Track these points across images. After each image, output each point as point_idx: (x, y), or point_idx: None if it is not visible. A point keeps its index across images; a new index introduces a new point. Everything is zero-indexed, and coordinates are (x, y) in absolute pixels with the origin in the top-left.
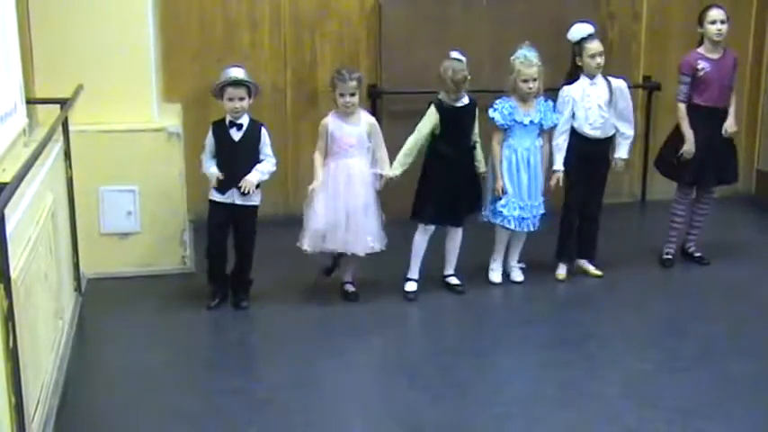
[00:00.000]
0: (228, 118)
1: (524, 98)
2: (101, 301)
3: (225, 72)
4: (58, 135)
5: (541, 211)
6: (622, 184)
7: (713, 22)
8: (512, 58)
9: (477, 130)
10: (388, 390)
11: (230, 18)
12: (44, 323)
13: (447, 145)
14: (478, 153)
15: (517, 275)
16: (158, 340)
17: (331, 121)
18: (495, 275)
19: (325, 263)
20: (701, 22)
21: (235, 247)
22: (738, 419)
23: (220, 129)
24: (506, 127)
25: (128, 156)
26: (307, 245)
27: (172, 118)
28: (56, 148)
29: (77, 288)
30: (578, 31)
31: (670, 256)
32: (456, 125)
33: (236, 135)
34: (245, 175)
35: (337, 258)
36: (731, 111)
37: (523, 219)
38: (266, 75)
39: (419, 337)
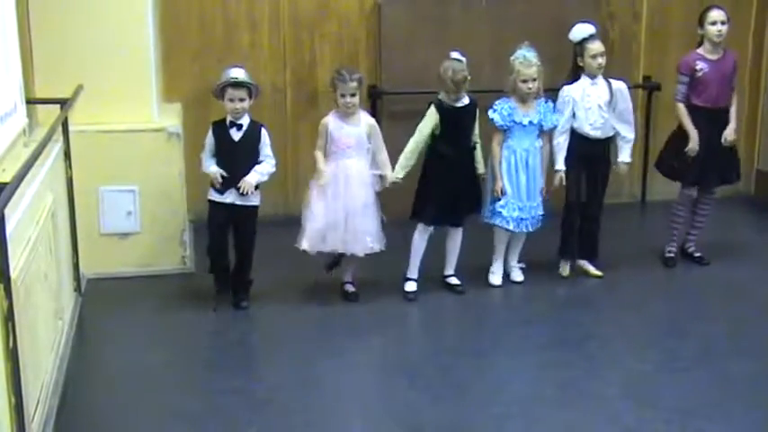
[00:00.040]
0: (229, 118)
1: (524, 98)
2: (101, 302)
3: (225, 73)
4: (58, 135)
5: (540, 211)
6: (622, 185)
7: (713, 23)
8: (511, 58)
9: (477, 130)
10: (388, 390)
11: (230, 18)
12: (44, 323)
13: (447, 145)
14: (478, 154)
15: (517, 275)
16: (158, 340)
17: (331, 121)
18: (496, 278)
19: (326, 260)
20: (701, 23)
21: (235, 248)
22: (738, 420)
23: (220, 129)
24: (506, 128)
25: (128, 156)
26: (305, 245)
27: (172, 118)
28: (56, 148)
29: (77, 288)
30: (580, 31)
31: (672, 255)
32: (456, 125)
33: (236, 135)
34: (245, 175)
35: (339, 256)
36: (733, 117)
37: (522, 219)
38: (266, 75)
39: (419, 338)
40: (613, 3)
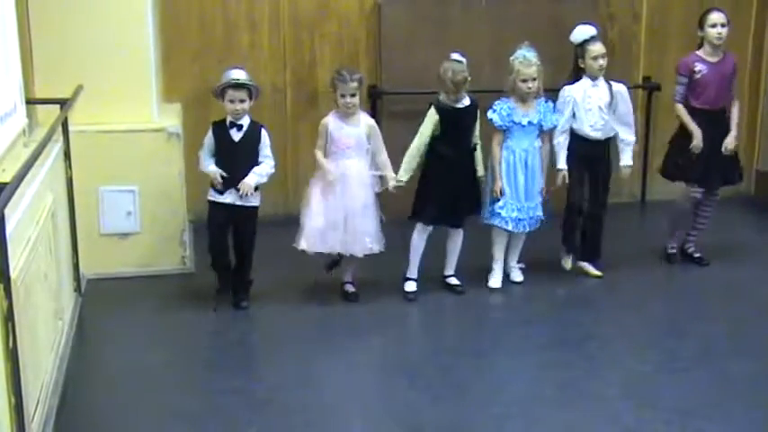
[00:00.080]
0: (229, 119)
1: (523, 98)
2: (100, 302)
3: (226, 74)
4: (58, 135)
5: (539, 212)
6: (622, 185)
7: (713, 26)
8: (511, 58)
9: (478, 131)
10: (388, 390)
11: (230, 19)
12: (44, 323)
13: (447, 146)
14: (478, 156)
15: (517, 276)
16: (158, 340)
17: (331, 121)
18: (495, 281)
19: (326, 260)
20: (701, 25)
21: (234, 248)
22: (738, 420)
23: (221, 129)
24: (505, 128)
25: (127, 156)
26: (303, 244)
27: (171, 118)
28: (56, 148)
29: (77, 288)
30: (581, 32)
31: (674, 252)
32: (456, 126)
33: (236, 136)
34: (244, 175)
35: (339, 257)
36: (734, 125)
37: (520, 220)
38: (266, 75)
39: (419, 338)
40: (613, 3)
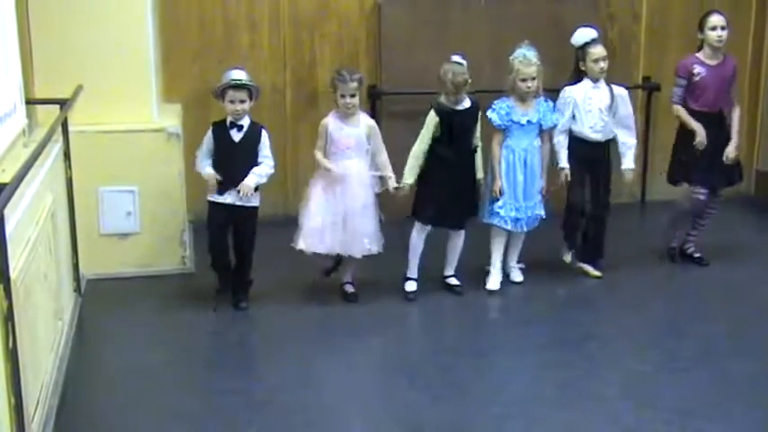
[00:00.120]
0: (229, 119)
1: (523, 97)
2: (100, 302)
3: (226, 74)
4: (58, 135)
5: (537, 211)
6: (622, 185)
7: (713, 29)
8: (511, 57)
9: (478, 133)
10: (387, 390)
11: (230, 19)
12: (44, 323)
13: (447, 148)
14: (478, 158)
15: (517, 276)
16: (158, 340)
17: (331, 122)
18: (492, 283)
19: (325, 264)
20: (701, 27)
21: (234, 248)
22: (738, 420)
23: (221, 129)
24: (504, 127)
25: (127, 156)
26: (301, 244)
27: (171, 118)
28: (55, 148)
29: (77, 288)
30: (582, 35)
31: (675, 247)
32: (456, 128)
33: (236, 136)
34: (244, 176)
35: (338, 260)
36: (734, 132)
37: (518, 219)
38: (266, 75)
39: (419, 338)
40: (613, 3)
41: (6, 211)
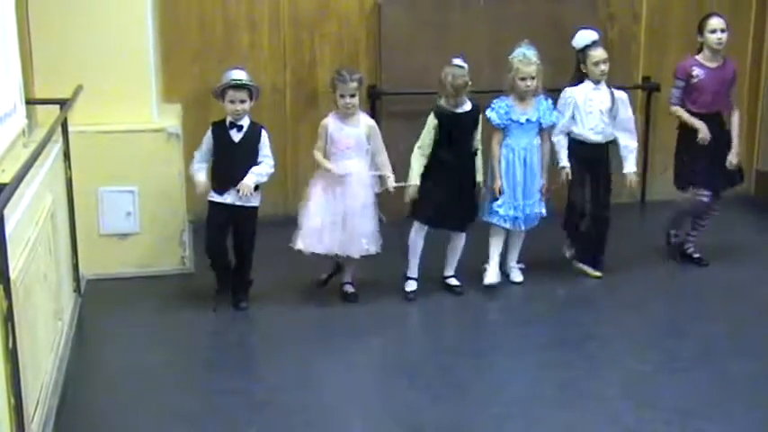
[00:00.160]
0: (229, 119)
1: (522, 96)
2: (100, 302)
3: (226, 74)
4: (58, 136)
5: (536, 210)
6: (622, 185)
7: (713, 31)
8: (510, 56)
9: (479, 136)
10: (387, 390)
11: (230, 19)
12: (43, 324)
13: (447, 151)
14: (478, 162)
15: (516, 276)
16: (158, 341)
17: (330, 122)
18: (489, 277)
19: (320, 276)
20: (700, 30)
21: (234, 248)
22: (738, 420)
23: (220, 129)
24: (503, 126)
25: (127, 156)
26: (300, 244)
27: (171, 118)
28: (55, 148)
29: (77, 289)
30: (582, 38)
31: (676, 243)
32: (456, 132)
33: (235, 136)
34: (244, 176)
35: (334, 272)
36: (735, 136)
37: (516, 218)
38: (266, 75)
39: (419, 338)
40: (613, 3)
41: (6, 212)
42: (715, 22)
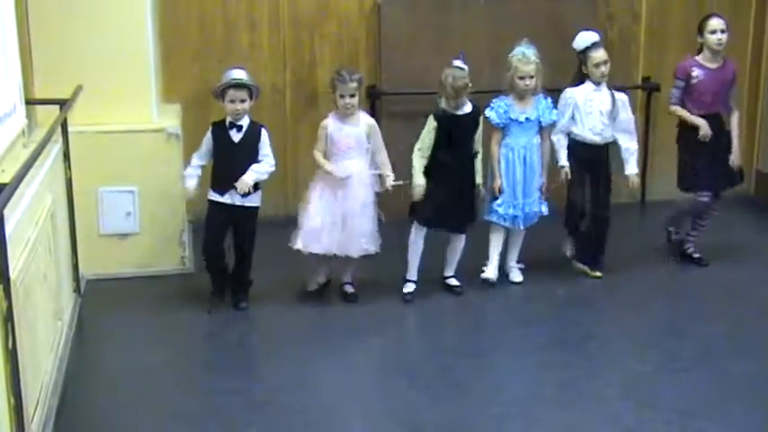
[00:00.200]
0: (229, 119)
1: (521, 95)
2: (100, 302)
3: (226, 74)
4: (58, 136)
5: (535, 209)
6: (622, 185)
7: (713, 32)
8: (510, 55)
9: (479, 138)
10: (387, 390)
11: (230, 19)
12: (43, 324)
13: (447, 153)
14: (478, 164)
15: (516, 276)
16: (158, 341)
17: (330, 123)
18: (489, 272)
19: (310, 286)
20: (700, 31)
21: (234, 248)
22: (738, 420)
23: (220, 129)
24: (502, 125)
25: (127, 156)
26: (299, 244)
27: (171, 118)
28: (55, 148)
29: (77, 289)
30: (583, 39)
31: (679, 237)
32: (456, 133)
33: (235, 136)
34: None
35: (326, 282)
36: (735, 137)
37: (515, 217)
38: (265, 75)
39: (418, 338)
40: (612, 3)
41: (6, 212)
42: (715, 23)
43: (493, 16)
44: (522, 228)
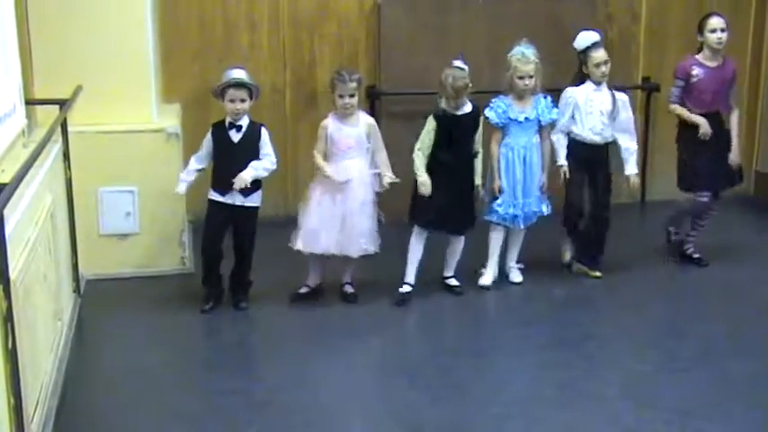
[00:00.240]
0: (228, 119)
1: (520, 95)
2: (100, 302)
3: (226, 73)
4: (57, 136)
5: (534, 208)
6: (622, 186)
7: (713, 31)
8: (509, 54)
9: (479, 138)
10: (387, 390)
11: (230, 19)
12: (43, 324)
13: (446, 152)
14: (478, 164)
15: (516, 276)
16: (157, 341)
17: (330, 124)
18: (485, 278)
19: (300, 290)
20: (700, 30)
21: (234, 248)
22: (737, 420)
23: (220, 130)
24: (501, 125)
25: (127, 156)
26: (299, 244)
27: (171, 118)
28: (55, 148)
29: (76, 289)
30: (584, 39)
31: (678, 238)
32: (456, 133)
33: (235, 137)
34: None
35: (315, 289)
36: (734, 135)
37: (515, 216)
38: (265, 75)
39: (418, 338)
40: (612, 3)
41: (6, 212)
42: (715, 22)
43: (492, 16)
44: (522, 227)
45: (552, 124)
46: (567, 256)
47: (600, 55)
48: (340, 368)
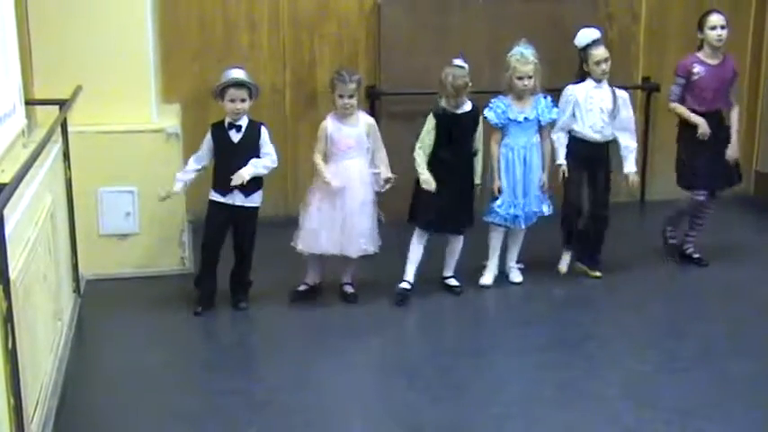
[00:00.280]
0: (228, 120)
1: (520, 96)
2: (100, 303)
3: (226, 73)
4: (57, 136)
5: (535, 208)
6: (621, 185)
7: (713, 28)
8: (508, 55)
9: (479, 137)
10: (387, 390)
11: (230, 19)
12: (43, 324)
13: (446, 151)
14: (478, 163)
15: (516, 276)
16: (157, 341)
17: (330, 124)
18: (486, 278)
19: (298, 287)
20: (700, 27)
21: (234, 248)
22: (737, 420)
23: (219, 130)
24: (501, 125)
25: (127, 157)
26: (300, 245)
27: (171, 119)
28: (55, 148)
29: (76, 289)
30: (584, 36)
31: (675, 242)
32: (456, 132)
33: (234, 137)
34: None
35: (314, 288)
36: (734, 132)
37: (516, 216)
38: (265, 75)
39: (418, 338)
40: (612, 3)
41: (6, 212)
42: (715, 19)
43: (492, 16)
44: (522, 227)
45: (552, 124)
46: (564, 268)
47: (600, 52)
48: (340, 368)
